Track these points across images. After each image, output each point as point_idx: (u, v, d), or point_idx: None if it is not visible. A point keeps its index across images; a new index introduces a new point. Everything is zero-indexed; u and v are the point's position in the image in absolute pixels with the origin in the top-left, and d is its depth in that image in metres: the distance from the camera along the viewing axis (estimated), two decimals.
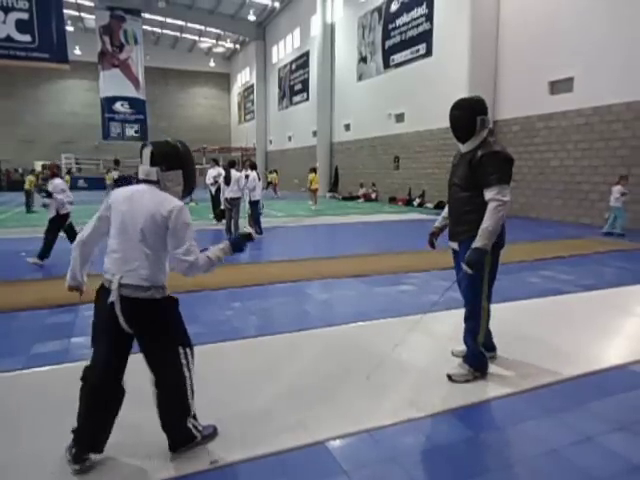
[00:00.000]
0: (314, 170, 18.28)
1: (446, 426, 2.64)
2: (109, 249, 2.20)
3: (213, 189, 12.09)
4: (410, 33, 18.72)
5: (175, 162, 2.22)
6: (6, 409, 2.77)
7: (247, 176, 10.32)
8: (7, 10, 11.10)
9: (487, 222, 2.87)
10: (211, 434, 2.46)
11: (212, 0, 30.45)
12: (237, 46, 39.49)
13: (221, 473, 2.22)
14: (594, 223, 11.67)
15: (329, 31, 24.94)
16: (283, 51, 31.96)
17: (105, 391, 2.20)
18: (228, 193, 10.03)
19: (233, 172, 10.05)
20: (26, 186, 15.78)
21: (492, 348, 3.44)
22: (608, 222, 10.43)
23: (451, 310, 4.36)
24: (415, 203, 18.38)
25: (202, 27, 34.40)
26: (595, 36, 11.69)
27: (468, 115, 3.05)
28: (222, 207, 10.67)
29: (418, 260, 7.35)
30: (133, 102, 23.60)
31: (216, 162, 13.09)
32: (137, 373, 2.28)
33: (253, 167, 10.76)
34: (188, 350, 2.29)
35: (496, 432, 2.60)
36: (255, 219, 10.30)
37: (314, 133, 26.47)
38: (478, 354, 3.18)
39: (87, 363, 2.21)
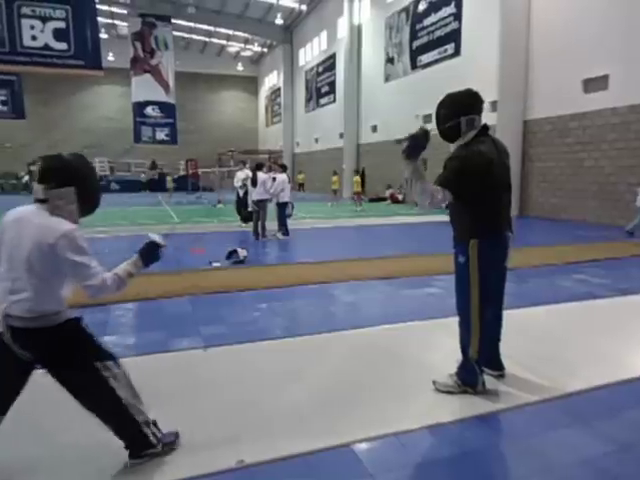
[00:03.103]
0: (358, 172, 18.40)
1: (473, 432, 2.60)
2: None
3: (241, 192, 12.03)
4: (438, 33, 18.52)
5: (65, 178, 1.99)
6: (38, 404, 2.86)
7: (274, 178, 10.39)
8: (45, 20, 11.53)
9: (428, 182, 2.76)
10: (172, 442, 2.37)
11: (240, 5, 30.85)
12: (264, 50, 39.89)
13: (247, 472, 2.24)
14: None
15: (356, 33, 24.91)
16: (310, 54, 32.09)
17: None
18: (255, 195, 10.13)
19: (259, 174, 10.15)
20: None
21: (498, 367, 3.17)
22: (634, 222, 9.96)
23: None
24: (443, 205, 18.10)
25: (230, 31, 34.89)
26: (632, 31, 11.29)
27: (451, 114, 2.79)
28: (249, 209, 10.78)
29: (446, 262, 7.24)
30: (163, 106, 24.08)
31: (245, 164, 13.09)
32: (153, 373, 2.31)
33: (283, 169, 10.77)
34: (108, 362, 2.16)
35: (525, 439, 2.53)
36: (281, 221, 10.36)
37: (341, 135, 26.46)
38: (468, 367, 2.93)
39: None
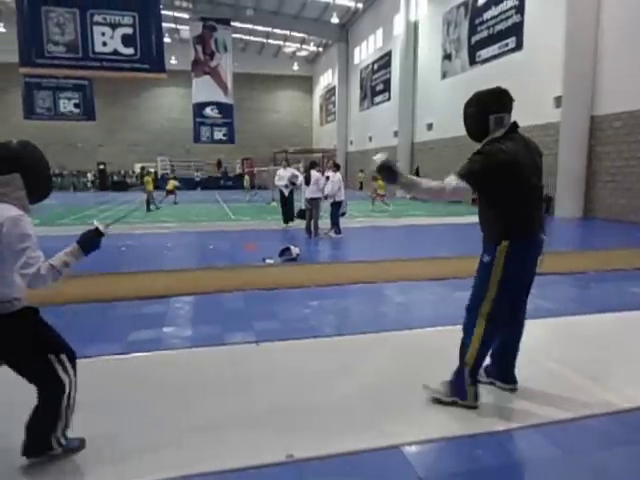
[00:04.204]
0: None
1: (530, 442, 2.49)
2: None
3: (286, 191, 11.64)
4: (498, 27, 17.87)
5: (9, 165, 2.01)
6: (106, 390, 3.04)
7: (327, 177, 10.43)
8: (114, 26, 12.22)
9: (426, 182, 2.70)
10: (76, 447, 2.30)
11: (297, 5, 31.21)
12: (320, 49, 40.12)
13: (296, 466, 2.27)
14: None
15: (412, 29, 24.51)
16: (365, 52, 31.95)
17: None
18: (308, 193, 10.23)
19: (313, 173, 10.23)
20: (150, 188, 17.06)
21: (510, 380, 2.99)
22: None
23: (537, 319, 4.10)
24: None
25: (287, 32, 35.39)
26: None
27: (478, 113, 2.71)
28: (303, 207, 10.90)
29: None
30: (222, 107, 24.81)
31: (288, 163, 12.68)
32: (208, 365, 2.38)
33: (337, 168, 10.74)
34: (63, 356, 2.17)
35: (586, 454, 2.40)
36: (334, 219, 10.38)
37: (395, 133, 26.15)
38: (460, 376, 2.75)
39: None
